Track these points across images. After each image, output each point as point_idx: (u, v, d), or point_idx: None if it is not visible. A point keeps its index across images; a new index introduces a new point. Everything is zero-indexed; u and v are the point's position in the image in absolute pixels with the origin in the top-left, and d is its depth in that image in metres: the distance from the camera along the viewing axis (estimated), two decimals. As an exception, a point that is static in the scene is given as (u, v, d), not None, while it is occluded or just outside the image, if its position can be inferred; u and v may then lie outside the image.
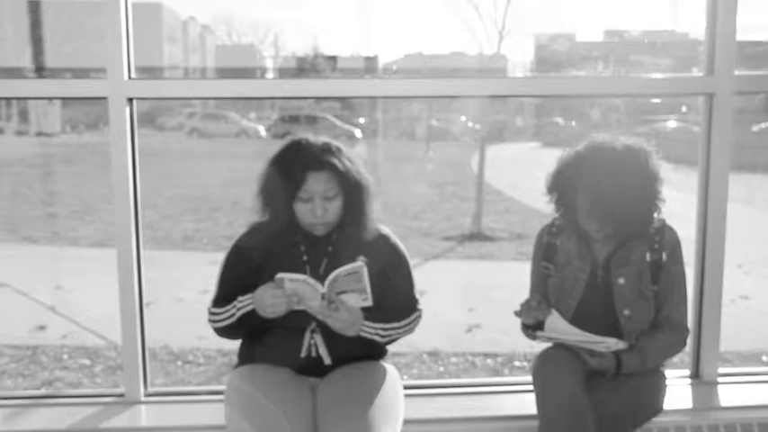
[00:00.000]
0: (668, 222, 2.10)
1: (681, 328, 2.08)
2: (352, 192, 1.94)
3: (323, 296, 1.84)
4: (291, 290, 1.83)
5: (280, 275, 1.84)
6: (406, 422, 1.96)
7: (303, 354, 1.95)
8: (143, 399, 2.38)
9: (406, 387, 2.08)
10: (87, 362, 4.50)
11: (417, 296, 2.07)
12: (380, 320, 1.95)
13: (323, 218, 1.91)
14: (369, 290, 1.86)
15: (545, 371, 1.96)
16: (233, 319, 1.95)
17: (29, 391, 3.87)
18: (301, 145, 1.94)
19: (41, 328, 5.13)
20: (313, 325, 1.94)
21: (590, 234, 2.05)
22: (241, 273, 1.98)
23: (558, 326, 1.99)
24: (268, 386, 1.87)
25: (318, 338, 1.95)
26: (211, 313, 2.01)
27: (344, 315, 1.85)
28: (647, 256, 2.05)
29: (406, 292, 2.05)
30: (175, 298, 5.65)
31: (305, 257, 1.98)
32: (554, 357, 1.99)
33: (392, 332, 1.98)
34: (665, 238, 2.06)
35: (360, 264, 1.86)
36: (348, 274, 1.85)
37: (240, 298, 1.93)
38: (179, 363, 4.47)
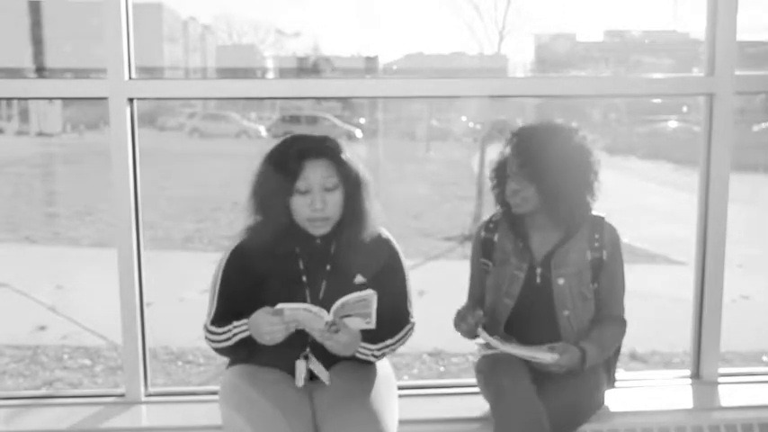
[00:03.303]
0: (607, 219, 2.08)
1: (622, 322, 2.10)
2: (352, 185, 1.85)
3: (326, 322, 1.76)
4: (291, 317, 1.75)
5: (279, 306, 1.74)
6: (406, 422, 1.96)
7: (300, 384, 1.88)
8: (143, 399, 2.38)
9: (406, 387, 2.08)
10: (88, 362, 4.50)
11: (410, 308, 2.00)
12: (376, 339, 1.89)
13: (323, 211, 1.81)
14: (374, 315, 1.77)
15: (497, 375, 1.94)
16: (229, 343, 1.87)
17: (29, 391, 3.88)
18: (297, 138, 1.88)
19: (42, 328, 5.14)
20: (306, 351, 1.89)
21: (526, 229, 2.05)
22: (239, 287, 1.89)
23: (491, 342, 1.97)
24: (266, 385, 1.86)
25: (315, 364, 1.89)
26: (209, 332, 1.91)
27: (345, 338, 1.77)
28: (588, 255, 2.03)
29: (399, 305, 1.98)
30: (176, 298, 5.65)
31: (304, 278, 1.90)
32: (503, 361, 1.97)
33: (386, 350, 1.94)
34: (605, 236, 2.04)
35: (371, 292, 1.75)
36: (357, 301, 1.76)
37: (236, 323, 1.84)
38: (179, 363, 4.47)
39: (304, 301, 1.86)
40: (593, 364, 1.98)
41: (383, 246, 1.95)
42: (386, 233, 1.97)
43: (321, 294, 1.89)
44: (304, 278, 1.89)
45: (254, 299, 1.82)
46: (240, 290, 1.88)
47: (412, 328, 2.00)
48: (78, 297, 5.89)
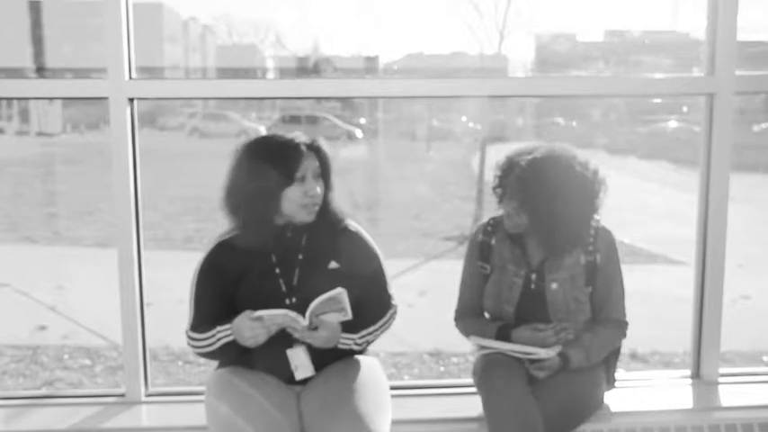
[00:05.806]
0: (602, 223, 2.08)
1: (621, 325, 2.11)
2: (328, 177, 1.94)
3: (303, 327, 1.82)
4: (270, 321, 1.81)
5: (258, 314, 1.80)
6: (406, 422, 1.96)
7: (299, 376, 1.92)
8: (144, 399, 2.38)
9: (405, 387, 2.08)
10: (88, 362, 4.51)
11: (391, 291, 2.05)
12: (357, 328, 1.93)
13: (317, 197, 1.89)
14: (348, 308, 1.84)
15: (491, 375, 1.95)
16: (213, 348, 1.91)
17: (29, 391, 3.88)
18: (277, 135, 1.92)
19: (42, 328, 5.14)
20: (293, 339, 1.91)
21: (523, 236, 2.06)
22: (216, 292, 1.93)
23: (488, 342, 2.02)
24: (258, 383, 1.87)
25: (298, 352, 1.91)
26: (191, 338, 1.95)
27: (324, 334, 1.84)
28: (582, 259, 2.04)
29: (380, 290, 2.02)
30: (176, 298, 5.64)
31: (277, 270, 1.93)
32: (498, 362, 1.98)
33: (369, 336, 1.97)
34: (600, 240, 2.05)
35: (339, 290, 1.82)
36: (328, 299, 1.82)
37: (219, 328, 1.87)
38: (180, 363, 4.47)
39: (279, 290, 1.91)
40: (579, 366, 1.99)
41: (353, 237, 2.01)
42: (354, 225, 2.03)
43: (295, 281, 1.93)
44: (277, 270, 1.94)
45: (230, 298, 1.89)
46: (216, 293, 1.93)
47: (395, 312, 2.04)
48: (79, 297, 5.90)
